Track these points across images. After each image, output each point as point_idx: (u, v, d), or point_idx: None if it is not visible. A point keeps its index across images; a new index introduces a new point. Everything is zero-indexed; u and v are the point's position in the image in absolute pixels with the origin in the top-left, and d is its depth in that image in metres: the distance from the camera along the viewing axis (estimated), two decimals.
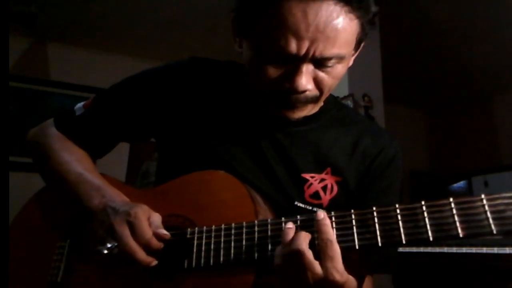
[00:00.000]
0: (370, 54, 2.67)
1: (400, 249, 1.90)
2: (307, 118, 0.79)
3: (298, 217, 0.65)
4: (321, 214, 0.62)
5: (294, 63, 0.67)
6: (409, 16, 2.80)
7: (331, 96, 0.84)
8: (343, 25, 0.64)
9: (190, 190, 0.75)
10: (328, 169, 0.80)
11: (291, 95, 0.70)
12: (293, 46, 0.63)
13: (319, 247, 0.59)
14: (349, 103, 2.54)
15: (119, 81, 0.90)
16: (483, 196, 0.56)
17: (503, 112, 4.06)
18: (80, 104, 0.89)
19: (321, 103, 0.80)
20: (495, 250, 1.54)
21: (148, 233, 0.68)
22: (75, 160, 0.84)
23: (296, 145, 0.80)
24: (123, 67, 3.10)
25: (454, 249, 1.68)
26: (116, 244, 0.68)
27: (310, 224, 0.63)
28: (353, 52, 0.72)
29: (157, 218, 0.72)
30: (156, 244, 0.69)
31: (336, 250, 0.59)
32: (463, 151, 4.21)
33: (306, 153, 0.80)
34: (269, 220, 0.66)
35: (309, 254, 0.59)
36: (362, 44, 0.73)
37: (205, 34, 3.23)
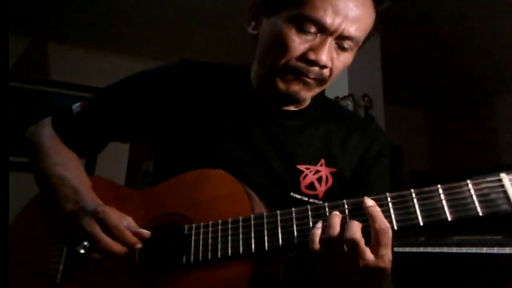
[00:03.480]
0: (370, 54, 2.68)
1: (400, 249, 1.90)
2: (299, 112, 0.83)
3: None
4: (370, 201, 0.62)
5: (322, 36, 0.72)
6: (409, 16, 2.81)
7: (321, 92, 0.87)
8: (368, 13, 0.74)
9: (186, 189, 0.76)
10: (322, 161, 0.82)
11: (310, 67, 0.74)
12: (328, 18, 0.70)
13: (374, 234, 0.59)
14: (349, 103, 2.55)
15: (114, 82, 0.92)
16: (468, 181, 0.59)
17: (503, 113, 4.06)
18: (77, 104, 0.92)
19: (321, 89, 0.82)
20: (495, 250, 1.54)
21: (119, 225, 0.70)
22: (60, 163, 0.85)
23: (290, 137, 0.83)
24: (123, 67, 3.10)
25: (454, 249, 1.68)
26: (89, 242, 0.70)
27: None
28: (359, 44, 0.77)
29: (130, 221, 0.73)
30: (131, 237, 0.70)
31: (390, 237, 0.59)
32: (463, 151, 4.21)
33: (300, 145, 0.82)
34: (264, 214, 0.68)
35: (363, 242, 0.59)
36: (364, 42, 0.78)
37: (205, 34, 3.23)
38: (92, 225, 0.70)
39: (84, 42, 3.38)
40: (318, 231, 0.62)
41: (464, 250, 1.63)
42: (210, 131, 0.83)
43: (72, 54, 3.41)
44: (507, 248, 1.51)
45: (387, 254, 0.60)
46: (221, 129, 0.83)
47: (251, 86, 0.86)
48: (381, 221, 0.59)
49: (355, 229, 0.59)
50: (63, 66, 3.36)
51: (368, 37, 0.77)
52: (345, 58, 0.76)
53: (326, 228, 0.61)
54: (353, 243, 0.59)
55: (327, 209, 0.65)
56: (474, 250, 1.60)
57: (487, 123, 4.17)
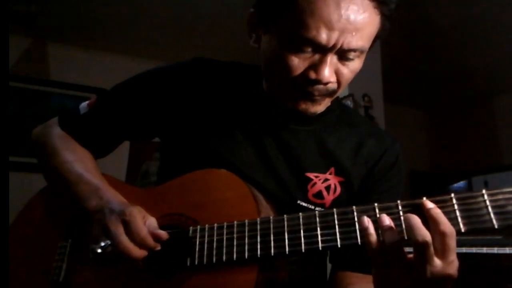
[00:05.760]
0: (370, 54, 2.67)
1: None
2: (312, 118, 0.80)
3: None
4: (430, 203, 0.57)
5: (320, 54, 0.68)
6: (409, 16, 2.81)
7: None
8: (370, 19, 0.67)
9: (191, 189, 0.75)
10: (332, 169, 0.80)
11: (313, 86, 0.71)
12: (323, 36, 0.65)
13: (440, 239, 0.54)
14: (349, 103, 2.55)
15: (123, 81, 0.90)
16: (484, 191, 0.56)
17: (503, 112, 4.06)
18: (84, 103, 0.90)
19: (332, 99, 0.80)
20: (495, 250, 1.53)
21: (143, 230, 0.68)
22: (76, 160, 0.84)
23: (301, 144, 0.81)
24: (123, 67, 3.10)
25: None
26: (109, 242, 0.68)
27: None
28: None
29: (153, 221, 0.71)
30: (151, 242, 0.68)
31: (455, 241, 0.55)
32: (463, 151, 4.21)
33: (311, 152, 0.81)
34: (271, 218, 0.66)
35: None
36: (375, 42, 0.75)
37: (205, 34, 3.23)
38: (117, 225, 0.68)
39: (84, 42, 3.38)
40: (373, 234, 0.57)
41: (464, 250, 1.62)
42: (220, 132, 0.81)
43: (72, 54, 3.41)
44: (507, 248, 1.50)
45: (455, 260, 0.55)
46: (231, 131, 0.82)
47: (263, 89, 0.83)
48: (447, 224, 0.54)
49: (423, 228, 0.54)
50: (63, 66, 3.36)
51: (376, 39, 0.73)
52: (352, 67, 0.72)
53: (384, 231, 0.56)
54: (423, 246, 0.53)
55: (335, 215, 0.63)
56: (474, 250, 1.60)
57: (487, 123, 4.17)
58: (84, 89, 3.26)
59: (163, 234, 0.69)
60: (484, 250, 1.56)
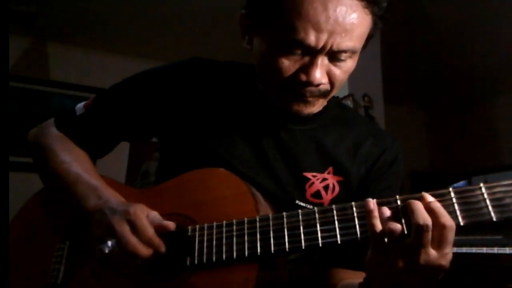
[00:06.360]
0: (370, 54, 2.67)
1: None
2: (310, 117, 0.80)
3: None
4: (429, 196, 0.58)
5: (310, 56, 0.68)
6: (409, 16, 2.81)
7: (332, 96, 0.84)
8: (359, 19, 0.66)
9: (189, 188, 0.75)
10: (330, 169, 0.80)
11: (305, 88, 0.71)
12: (312, 38, 0.65)
13: (439, 231, 0.55)
14: (349, 103, 2.55)
15: (119, 81, 0.90)
16: (481, 184, 0.57)
17: (503, 112, 4.06)
18: (80, 104, 0.89)
19: (327, 99, 0.80)
20: (495, 250, 1.53)
21: (150, 230, 0.68)
22: (74, 160, 0.84)
23: (299, 143, 0.81)
24: (123, 67, 3.10)
25: (454, 249, 1.67)
26: (115, 242, 0.68)
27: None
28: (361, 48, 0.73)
29: (156, 214, 0.71)
30: (158, 241, 0.68)
31: (454, 235, 0.56)
32: (463, 151, 4.21)
33: (309, 152, 0.81)
34: (270, 215, 0.66)
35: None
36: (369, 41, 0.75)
37: (205, 34, 3.23)
38: (122, 225, 0.68)
39: (84, 42, 3.38)
40: (377, 216, 0.57)
41: (464, 250, 1.62)
42: (218, 132, 0.81)
43: (72, 54, 3.41)
44: (507, 248, 1.50)
45: (449, 253, 0.56)
46: (229, 131, 0.82)
47: (260, 89, 0.83)
48: (447, 216, 0.55)
49: (425, 213, 0.55)
50: (63, 66, 3.36)
51: (369, 38, 0.73)
52: (345, 68, 0.72)
53: (385, 221, 0.57)
54: (423, 229, 0.54)
55: (334, 212, 0.63)
56: (474, 250, 1.59)
57: (487, 123, 4.17)
58: (84, 89, 3.26)
59: (171, 224, 0.69)
60: (484, 250, 1.56)
